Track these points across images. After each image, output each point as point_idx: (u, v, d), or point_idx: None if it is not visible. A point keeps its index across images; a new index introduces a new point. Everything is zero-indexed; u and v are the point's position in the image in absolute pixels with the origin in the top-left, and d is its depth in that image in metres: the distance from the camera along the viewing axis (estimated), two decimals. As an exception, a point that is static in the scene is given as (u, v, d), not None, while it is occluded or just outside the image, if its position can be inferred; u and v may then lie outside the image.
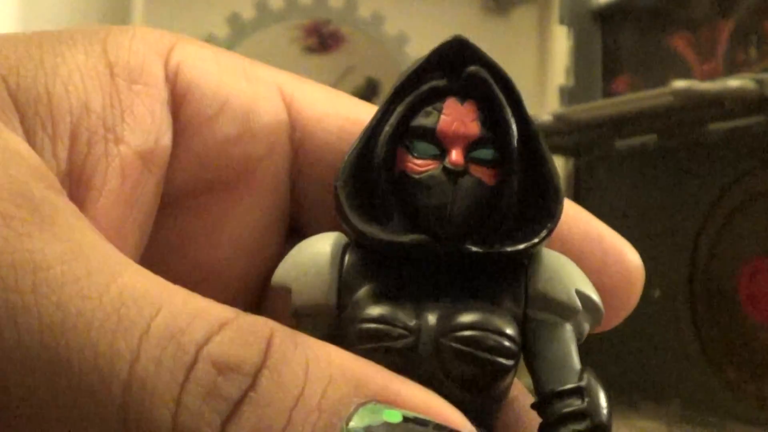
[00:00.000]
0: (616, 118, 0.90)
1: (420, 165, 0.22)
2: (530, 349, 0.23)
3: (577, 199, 1.02)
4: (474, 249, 0.22)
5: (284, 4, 1.23)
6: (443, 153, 0.22)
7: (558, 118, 0.95)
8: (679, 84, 0.78)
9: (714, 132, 0.84)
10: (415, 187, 0.22)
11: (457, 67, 0.23)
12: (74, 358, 0.19)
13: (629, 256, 0.26)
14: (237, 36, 1.22)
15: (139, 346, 0.19)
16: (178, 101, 0.25)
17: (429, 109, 0.23)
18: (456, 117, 0.23)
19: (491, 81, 0.23)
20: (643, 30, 1.00)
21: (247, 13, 1.23)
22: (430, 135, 0.23)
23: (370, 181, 0.23)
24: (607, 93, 1.02)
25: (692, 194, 0.89)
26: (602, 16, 1.04)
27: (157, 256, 0.25)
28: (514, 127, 0.23)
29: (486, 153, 0.22)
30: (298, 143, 0.26)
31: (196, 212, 0.26)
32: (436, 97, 0.23)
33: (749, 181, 0.85)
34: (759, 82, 0.75)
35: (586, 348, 0.23)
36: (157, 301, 0.19)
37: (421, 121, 0.23)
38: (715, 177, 0.87)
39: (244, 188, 0.26)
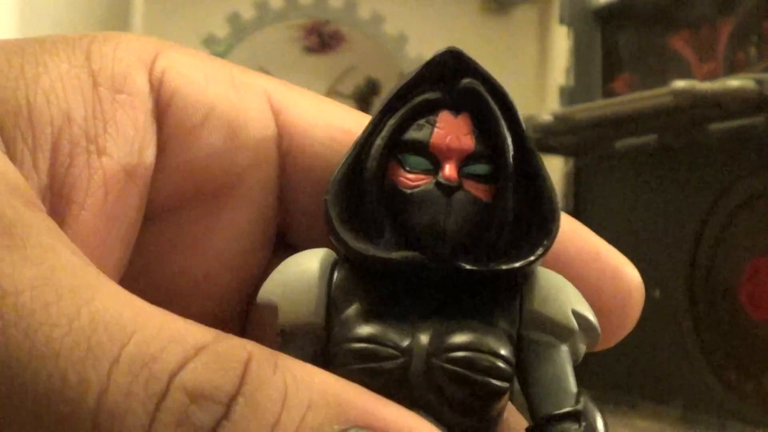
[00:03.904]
0: (616, 118, 0.90)
1: (412, 179, 0.22)
2: (525, 370, 0.22)
3: (577, 199, 1.02)
4: (468, 267, 0.21)
5: (284, 4, 1.23)
6: (436, 167, 0.21)
7: (558, 118, 0.94)
8: (679, 84, 0.78)
9: (714, 132, 0.84)
10: (407, 202, 0.21)
11: (451, 80, 0.22)
12: (41, 388, 0.18)
13: (628, 274, 0.25)
14: (237, 36, 1.22)
15: (109, 375, 0.18)
16: (163, 110, 0.24)
17: (422, 122, 0.22)
18: (450, 130, 0.22)
19: (486, 94, 0.22)
20: (643, 30, 1.00)
21: (247, 13, 1.22)
22: (422, 149, 0.22)
23: (360, 195, 0.22)
24: (607, 93, 1.02)
25: (692, 194, 0.89)
26: (602, 16, 1.04)
27: (141, 269, 0.25)
28: (509, 141, 0.22)
29: (480, 168, 0.22)
30: (286, 153, 0.25)
31: (182, 224, 0.25)
32: (429, 110, 0.22)
33: (749, 181, 0.84)
34: (759, 82, 0.75)
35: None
36: (131, 325, 0.19)
37: (414, 134, 0.22)
38: (716, 177, 0.87)
39: (230, 199, 0.25)
